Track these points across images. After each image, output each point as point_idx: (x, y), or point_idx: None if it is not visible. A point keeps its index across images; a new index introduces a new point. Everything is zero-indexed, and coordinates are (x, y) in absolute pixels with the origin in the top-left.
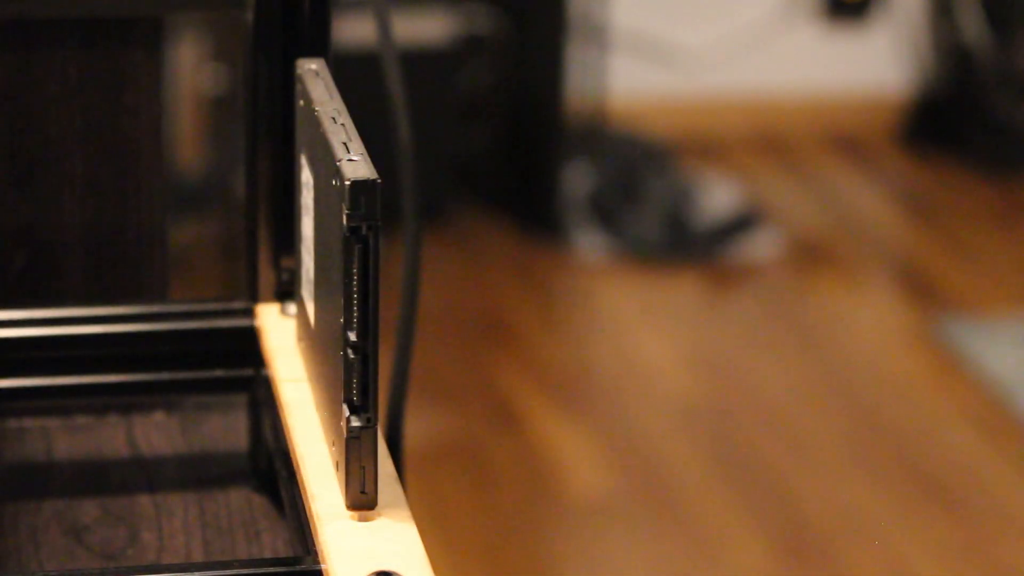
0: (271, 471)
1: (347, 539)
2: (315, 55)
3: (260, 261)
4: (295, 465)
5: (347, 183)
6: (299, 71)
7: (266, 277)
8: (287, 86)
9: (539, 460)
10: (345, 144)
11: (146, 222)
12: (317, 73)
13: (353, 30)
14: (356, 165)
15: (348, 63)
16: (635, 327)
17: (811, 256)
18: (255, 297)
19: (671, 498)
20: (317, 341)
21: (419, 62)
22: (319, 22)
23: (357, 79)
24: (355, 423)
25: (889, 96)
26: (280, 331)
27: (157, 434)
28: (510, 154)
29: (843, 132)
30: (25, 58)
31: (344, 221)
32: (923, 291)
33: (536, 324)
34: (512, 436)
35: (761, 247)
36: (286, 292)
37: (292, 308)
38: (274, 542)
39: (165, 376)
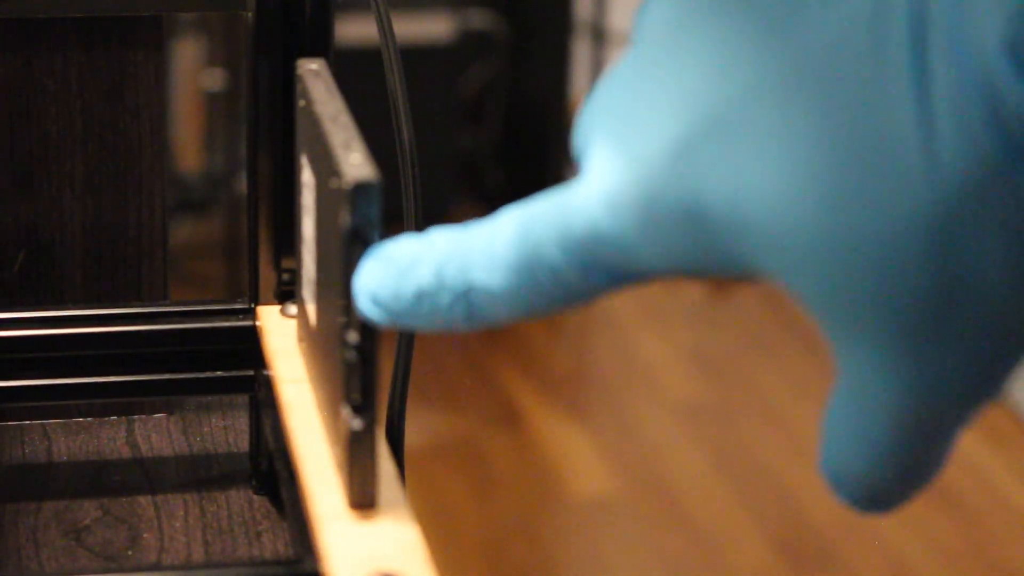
0: (272, 472)
1: (348, 539)
2: (316, 55)
3: (261, 261)
4: (296, 466)
5: (348, 184)
6: (300, 71)
7: (267, 277)
8: (288, 86)
9: (539, 460)
10: (346, 144)
11: (146, 222)
12: (318, 73)
13: (354, 30)
14: (357, 166)
15: (349, 63)
16: (635, 327)
17: None
18: (256, 297)
19: (671, 498)
20: (318, 342)
21: (420, 62)
22: (320, 22)
23: (358, 79)
24: (355, 423)
25: None
26: (281, 332)
27: (157, 434)
28: (511, 154)
29: None
30: (25, 58)
31: (344, 222)
32: None
33: (537, 324)
34: (512, 436)
35: None
36: (287, 292)
37: (293, 308)
38: (275, 543)
39: (165, 376)
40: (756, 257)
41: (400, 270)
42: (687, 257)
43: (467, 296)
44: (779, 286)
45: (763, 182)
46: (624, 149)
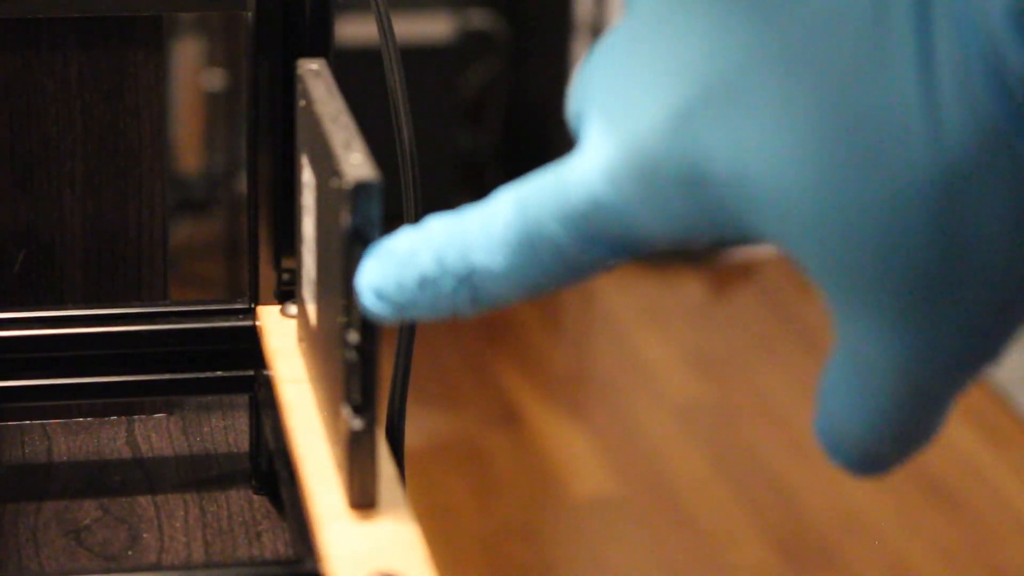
0: (272, 472)
1: (348, 540)
2: (316, 55)
3: (261, 261)
4: (296, 466)
5: (348, 184)
6: (300, 71)
7: (267, 277)
8: (288, 86)
9: (540, 460)
10: (346, 144)
11: (146, 222)
12: (318, 73)
13: (354, 30)
14: (357, 165)
15: (349, 63)
16: (636, 327)
17: None
18: (256, 297)
19: (671, 498)
20: (318, 341)
21: (420, 62)
22: (320, 22)
23: (358, 79)
24: (356, 424)
25: None
26: (281, 331)
27: (157, 435)
28: (511, 154)
29: None
30: (25, 58)
31: (345, 221)
32: None
33: (537, 324)
34: (512, 436)
35: (762, 247)
36: (287, 292)
37: (293, 308)
38: (275, 543)
39: (166, 376)
40: (757, 222)
41: (400, 261)
42: (687, 224)
43: (470, 279)
44: (781, 250)
45: (765, 148)
46: (621, 119)
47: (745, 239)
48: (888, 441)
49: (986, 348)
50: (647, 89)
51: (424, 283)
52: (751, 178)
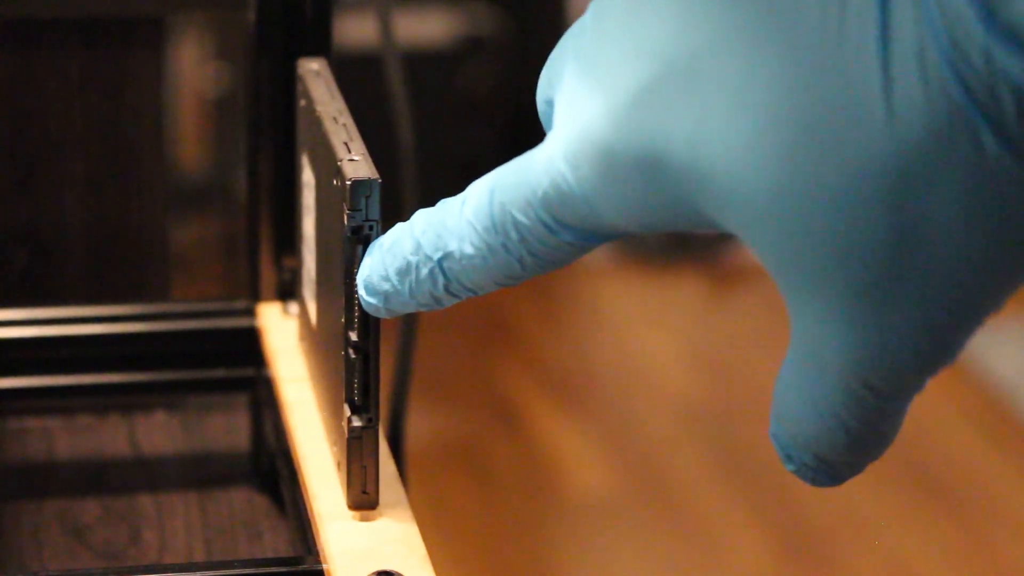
0: (272, 471)
1: (348, 539)
2: (316, 55)
3: (261, 261)
4: (296, 465)
5: (348, 183)
6: (300, 71)
7: (267, 277)
8: (288, 86)
9: (540, 460)
10: (346, 144)
11: (147, 221)
12: (318, 73)
13: (354, 30)
14: (357, 165)
15: (350, 63)
16: (636, 326)
17: None
18: (256, 297)
19: (672, 498)
20: (318, 341)
21: (420, 62)
22: (320, 22)
23: (359, 79)
24: (356, 423)
25: None
26: (282, 331)
27: (158, 434)
28: (511, 154)
29: None
30: (26, 58)
31: (345, 221)
32: None
33: (537, 323)
34: (513, 436)
35: None
36: (287, 292)
37: (294, 308)
38: (275, 542)
39: (166, 376)
40: (714, 208)
41: (385, 252)
42: (647, 210)
43: (442, 264)
44: (737, 238)
45: (723, 130)
46: (583, 102)
47: (705, 227)
48: (842, 446)
49: (940, 346)
50: (609, 71)
51: (403, 271)
52: (707, 161)
